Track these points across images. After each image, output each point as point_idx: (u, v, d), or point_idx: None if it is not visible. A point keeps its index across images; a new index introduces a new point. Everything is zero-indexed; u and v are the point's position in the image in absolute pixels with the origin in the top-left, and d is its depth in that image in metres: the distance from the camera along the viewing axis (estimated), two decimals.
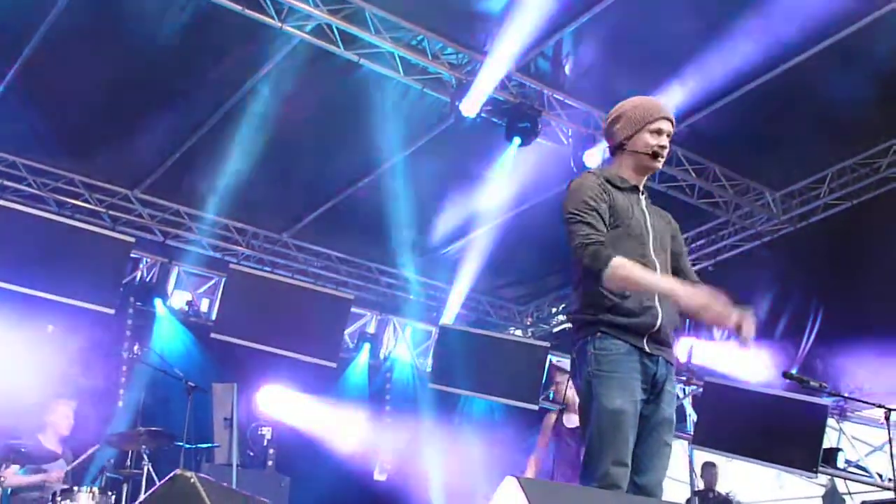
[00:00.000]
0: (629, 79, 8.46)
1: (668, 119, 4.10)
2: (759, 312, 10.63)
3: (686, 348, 11.47)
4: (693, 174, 10.04)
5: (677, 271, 4.10)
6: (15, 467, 8.05)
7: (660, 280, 3.84)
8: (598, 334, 3.82)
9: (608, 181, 4.01)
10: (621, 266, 3.71)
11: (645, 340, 3.83)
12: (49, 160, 10.35)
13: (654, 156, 4.03)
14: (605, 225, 3.87)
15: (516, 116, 8.94)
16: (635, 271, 3.74)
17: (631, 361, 3.79)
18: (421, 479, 11.84)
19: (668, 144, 4.07)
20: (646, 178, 4.16)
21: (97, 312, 10.35)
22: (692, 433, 11.54)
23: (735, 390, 11.13)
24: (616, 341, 3.80)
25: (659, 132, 4.05)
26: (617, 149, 4.13)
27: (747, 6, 7.71)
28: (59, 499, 7.40)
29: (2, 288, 9.85)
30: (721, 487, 11.05)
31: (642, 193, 4.11)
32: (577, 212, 3.87)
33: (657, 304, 3.86)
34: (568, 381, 7.40)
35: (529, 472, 7.46)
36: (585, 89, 9.03)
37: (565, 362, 7.90)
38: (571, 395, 7.28)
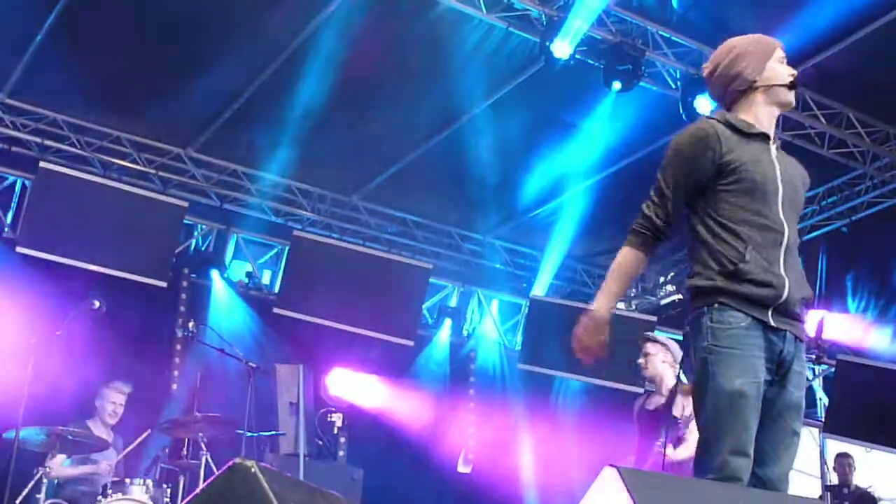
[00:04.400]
0: (746, 10, 8.38)
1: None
2: None
3: (815, 322, 11.30)
4: (823, 120, 9.88)
5: None
6: (61, 457, 8.16)
7: (605, 290, 4.15)
8: (716, 305, 3.76)
9: (731, 126, 3.93)
10: (616, 260, 4.06)
11: (770, 313, 3.75)
12: (93, 117, 10.55)
13: (792, 86, 4.05)
14: (685, 193, 3.90)
15: (616, 57, 8.85)
16: (613, 271, 4.08)
17: (753, 337, 3.72)
18: (510, 470, 11.93)
19: None
20: (775, 122, 4.11)
21: (148, 286, 10.54)
22: (823, 420, 11.40)
23: (873, 370, 10.96)
24: (736, 313, 3.72)
25: (784, 61, 4.09)
26: (744, 92, 4.06)
27: None
28: (109, 491, 7.55)
29: (42, 258, 10.03)
30: (858, 481, 10.92)
31: (774, 142, 4.03)
32: (658, 179, 3.95)
33: (783, 270, 3.80)
34: (658, 354, 7.29)
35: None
36: (696, 25, 8.89)
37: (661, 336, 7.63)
38: (661, 370, 7.14)
